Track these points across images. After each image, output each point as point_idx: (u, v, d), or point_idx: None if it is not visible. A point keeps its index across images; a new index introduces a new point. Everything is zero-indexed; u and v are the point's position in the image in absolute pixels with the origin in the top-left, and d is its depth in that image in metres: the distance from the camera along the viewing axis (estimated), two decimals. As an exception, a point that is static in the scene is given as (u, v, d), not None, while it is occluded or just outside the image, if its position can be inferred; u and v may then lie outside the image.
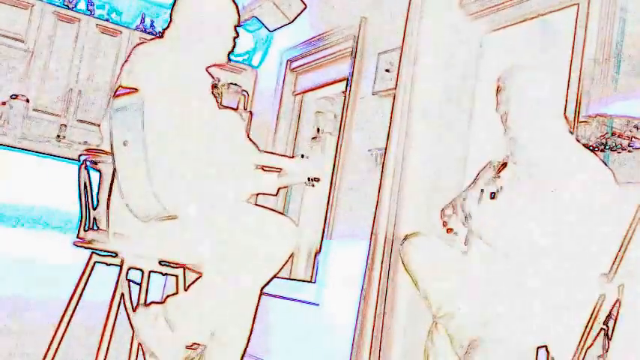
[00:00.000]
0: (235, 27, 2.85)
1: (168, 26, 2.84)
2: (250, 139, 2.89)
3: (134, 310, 2.67)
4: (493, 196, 2.69)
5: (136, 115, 2.59)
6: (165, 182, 2.60)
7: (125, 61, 2.82)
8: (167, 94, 2.66)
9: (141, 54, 2.79)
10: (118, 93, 2.67)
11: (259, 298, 2.70)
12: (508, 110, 2.70)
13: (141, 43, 2.95)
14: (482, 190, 2.73)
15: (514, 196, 2.65)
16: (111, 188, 2.68)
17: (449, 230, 2.80)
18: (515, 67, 2.76)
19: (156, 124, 2.60)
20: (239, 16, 2.87)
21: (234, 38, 2.86)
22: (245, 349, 2.69)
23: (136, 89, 2.62)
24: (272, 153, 3.21)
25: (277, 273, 2.73)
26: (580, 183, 2.54)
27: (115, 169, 2.66)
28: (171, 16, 2.83)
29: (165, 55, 2.77)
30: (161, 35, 2.87)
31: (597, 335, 2.41)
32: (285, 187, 3.04)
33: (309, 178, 2.93)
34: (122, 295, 2.68)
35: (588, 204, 2.51)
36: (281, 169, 2.91)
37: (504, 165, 2.75)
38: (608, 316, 2.41)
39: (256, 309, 2.70)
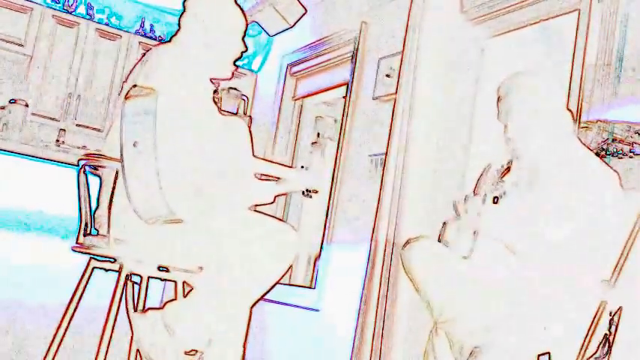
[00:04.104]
0: (243, 39, 2.86)
1: (176, 32, 2.84)
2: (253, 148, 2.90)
3: (134, 311, 2.67)
4: (496, 200, 2.68)
5: (148, 116, 2.59)
6: (173, 185, 2.60)
7: (136, 63, 2.83)
8: (176, 99, 2.67)
9: (155, 56, 2.80)
10: (130, 94, 2.67)
11: (251, 310, 2.70)
12: (509, 119, 2.70)
13: (159, 43, 2.96)
14: (485, 194, 2.73)
15: (516, 203, 2.64)
16: (112, 193, 2.67)
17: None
18: (514, 76, 2.76)
19: (165, 127, 2.60)
20: (247, 26, 2.87)
21: (242, 52, 2.87)
22: (243, 356, 2.68)
23: (149, 90, 2.62)
24: (271, 161, 3.20)
25: (276, 283, 2.73)
26: (583, 189, 2.53)
27: (116, 174, 2.66)
28: (180, 23, 2.84)
29: (175, 60, 2.77)
30: (170, 40, 2.88)
31: (601, 342, 2.40)
32: (282, 195, 3.04)
33: (307, 189, 2.94)
34: (121, 299, 2.67)
35: (591, 210, 2.50)
36: (279, 177, 2.91)
37: (508, 169, 2.74)
38: (610, 322, 2.40)
39: (250, 317, 2.70)
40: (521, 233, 2.57)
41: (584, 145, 2.76)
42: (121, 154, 2.64)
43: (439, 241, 2.79)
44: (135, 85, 2.69)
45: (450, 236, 2.78)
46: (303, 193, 2.95)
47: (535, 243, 2.54)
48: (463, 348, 2.58)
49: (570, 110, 2.78)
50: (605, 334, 2.40)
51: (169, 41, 2.89)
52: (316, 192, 2.95)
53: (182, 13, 2.85)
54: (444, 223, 2.84)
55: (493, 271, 2.62)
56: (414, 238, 2.83)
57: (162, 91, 2.63)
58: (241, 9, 2.88)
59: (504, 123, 2.73)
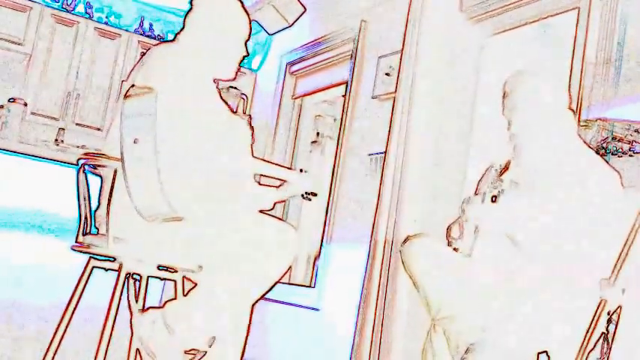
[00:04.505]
0: (246, 43, 2.87)
1: (180, 31, 2.84)
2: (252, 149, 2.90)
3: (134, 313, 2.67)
4: (494, 199, 2.69)
5: (148, 113, 2.59)
6: (173, 183, 2.59)
7: (137, 62, 2.83)
8: (177, 97, 2.67)
9: (156, 55, 2.80)
10: (129, 92, 2.67)
11: (252, 309, 2.70)
12: (513, 116, 2.71)
13: (159, 42, 2.96)
14: (484, 194, 2.73)
15: (514, 201, 2.64)
16: (111, 192, 2.67)
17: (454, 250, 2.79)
18: (521, 73, 2.77)
19: (165, 125, 2.60)
20: (250, 33, 2.88)
21: (244, 56, 2.88)
22: (242, 355, 2.68)
23: (149, 88, 2.62)
24: (270, 162, 3.21)
25: (276, 282, 2.73)
26: (584, 188, 2.53)
27: (115, 173, 2.66)
28: (185, 21, 2.84)
29: (178, 59, 2.77)
30: (174, 39, 2.88)
31: (598, 340, 2.41)
32: (281, 202, 3.05)
33: (306, 192, 2.94)
34: (120, 299, 2.66)
35: (591, 209, 2.50)
36: (280, 183, 2.92)
37: (506, 168, 2.75)
38: (609, 321, 2.40)
39: (251, 317, 2.70)
40: (520, 231, 2.58)
41: (586, 144, 2.77)
42: (122, 153, 2.64)
43: (448, 243, 2.80)
44: (134, 84, 2.69)
45: (455, 235, 2.79)
46: (302, 196, 2.96)
47: (534, 241, 2.54)
48: (459, 346, 2.59)
49: (572, 109, 2.78)
50: (603, 333, 2.41)
51: (173, 40, 2.90)
52: (315, 195, 2.97)
53: (188, 11, 2.85)
54: (449, 227, 2.85)
55: (491, 269, 2.62)
56: (414, 235, 2.84)
57: (163, 90, 2.63)
58: (248, 15, 2.88)
59: (508, 119, 2.74)
